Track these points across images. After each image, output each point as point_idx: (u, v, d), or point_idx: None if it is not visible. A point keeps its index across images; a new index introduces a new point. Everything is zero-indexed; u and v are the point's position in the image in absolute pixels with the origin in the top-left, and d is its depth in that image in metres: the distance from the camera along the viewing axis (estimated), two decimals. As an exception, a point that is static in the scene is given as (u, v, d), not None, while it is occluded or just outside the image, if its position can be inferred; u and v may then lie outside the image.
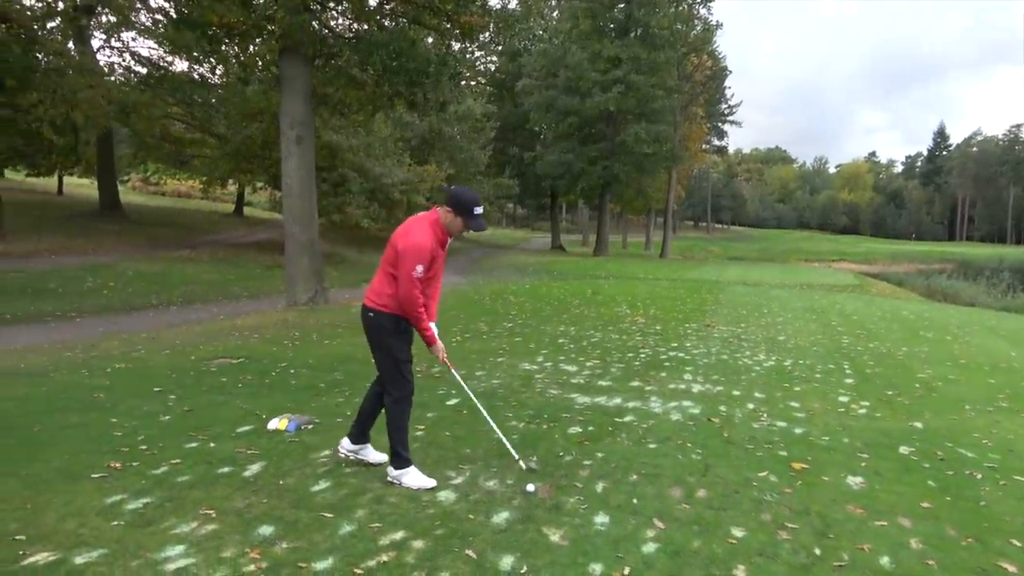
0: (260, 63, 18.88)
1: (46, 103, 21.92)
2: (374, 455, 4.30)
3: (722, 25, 47.07)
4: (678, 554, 3.25)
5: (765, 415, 5.76)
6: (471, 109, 35.90)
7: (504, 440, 4.24)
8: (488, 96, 41.80)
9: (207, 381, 6.57)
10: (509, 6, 43.62)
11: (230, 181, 31.18)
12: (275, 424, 5.04)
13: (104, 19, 25.68)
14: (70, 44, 24.67)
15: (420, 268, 3.76)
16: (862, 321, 12.65)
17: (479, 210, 3.86)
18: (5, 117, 20.26)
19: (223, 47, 18.25)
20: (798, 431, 5.32)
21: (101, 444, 4.66)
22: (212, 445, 4.66)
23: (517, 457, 4.14)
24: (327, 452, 4.53)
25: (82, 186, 34.69)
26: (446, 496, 3.85)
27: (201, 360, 7.48)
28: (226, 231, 28.73)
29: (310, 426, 5.10)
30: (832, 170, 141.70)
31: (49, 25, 23.47)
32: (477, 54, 45.64)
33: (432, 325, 3.99)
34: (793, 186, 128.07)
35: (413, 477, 4.00)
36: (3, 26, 20.98)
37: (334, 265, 21.16)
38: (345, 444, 4.30)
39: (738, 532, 3.50)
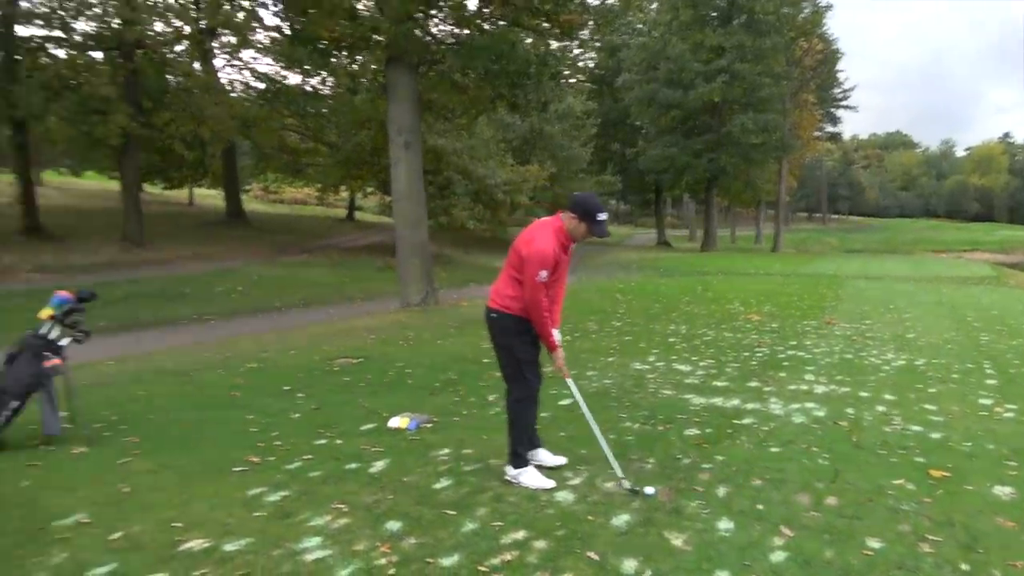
0: (367, 73, 19.65)
1: (177, 121, 23.71)
2: (549, 459, 4.30)
3: (832, 6, 44.69)
4: (809, 564, 3.13)
5: (897, 418, 5.44)
6: (571, 107, 35.82)
7: (611, 458, 4.16)
8: (588, 93, 41.57)
9: (331, 380, 6.90)
10: (608, 1, 43.12)
11: (342, 187, 32.60)
12: (396, 422, 5.24)
13: (225, 40, 27.41)
14: (196, 65, 26.50)
15: (544, 273, 3.80)
16: (1002, 316, 11.70)
17: (603, 216, 3.86)
18: (144, 136, 21.99)
19: (333, 59, 19.11)
20: (935, 436, 4.99)
21: (240, 439, 5.00)
22: (339, 442, 4.89)
23: (621, 475, 4.07)
24: (446, 450, 4.66)
25: (209, 196, 37.21)
26: (564, 497, 3.87)
27: (324, 360, 7.86)
28: (339, 235, 30.03)
29: (429, 425, 5.27)
30: (960, 153, 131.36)
31: (177, 48, 25.31)
32: (576, 51, 45.48)
33: (555, 332, 4.03)
34: (917, 172, 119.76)
35: (531, 477, 4.05)
36: (140, 52, 22.77)
37: (441, 266, 21.68)
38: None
39: (874, 543, 3.33)
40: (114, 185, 29.51)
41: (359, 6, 14.60)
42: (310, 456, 4.58)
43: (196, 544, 3.34)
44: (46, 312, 4.96)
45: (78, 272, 15.89)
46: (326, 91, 28.07)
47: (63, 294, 5.02)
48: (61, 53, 22.87)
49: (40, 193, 23.47)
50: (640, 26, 43.92)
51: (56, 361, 4.91)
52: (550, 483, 4.01)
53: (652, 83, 38.14)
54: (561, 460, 4.33)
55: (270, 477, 4.21)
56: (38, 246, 19.22)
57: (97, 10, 22.41)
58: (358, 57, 18.30)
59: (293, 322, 11.79)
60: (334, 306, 14.20)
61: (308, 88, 28.38)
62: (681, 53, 36.19)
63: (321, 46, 15.51)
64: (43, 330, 4.97)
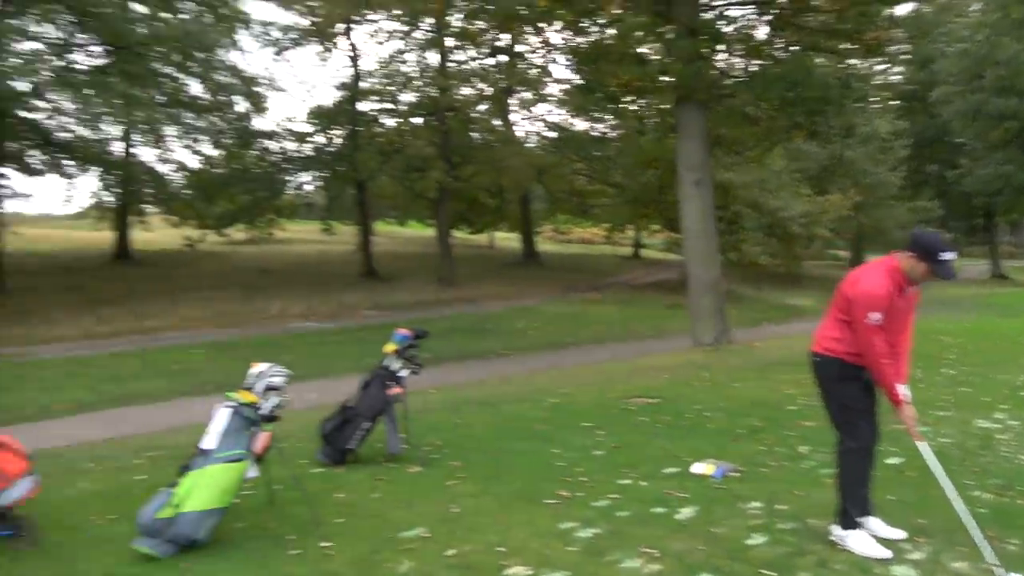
0: (655, 113, 19.96)
1: (481, 173, 26.38)
2: (884, 530, 3.78)
3: None
4: None
5: None
6: (876, 129, 32.54)
7: (979, 537, 3.47)
8: (896, 111, 37.44)
9: (628, 419, 6.97)
10: (921, 10, 38.59)
11: (628, 226, 33.33)
12: (700, 468, 5.09)
13: (521, 96, 29.91)
14: (496, 121, 29.28)
15: (876, 316, 3.46)
16: None
17: (947, 256, 3.41)
18: (454, 188, 24.77)
19: (620, 104, 19.73)
20: None
21: (548, 472, 5.24)
22: (643, 484, 4.89)
23: (995, 562, 3.38)
24: (758, 504, 4.39)
25: (506, 239, 40.42)
26: (904, 572, 3.41)
27: (620, 398, 7.98)
28: (626, 273, 30.58)
29: (735, 474, 5.03)
30: None
31: (480, 108, 28.25)
32: (879, 67, 41.34)
33: (902, 388, 3.61)
34: None
35: (861, 541, 3.64)
36: (449, 114, 25.84)
37: (732, 303, 20.90)
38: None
39: None
40: (429, 232, 33.53)
41: (644, 51, 14.98)
42: (616, 495, 4.64)
43: (519, 571, 3.55)
44: (390, 347, 5.74)
45: (403, 309, 18.25)
46: (612, 134, 29.15)
47: (403, 332, 5.78)
48: (390, 122, 26.94)
49: (373, 242, 27.52)
50: (963, 32, 38.54)
51: (397, 390, 5.64)
52: (886, 553, 3.56)
53: (977, 93, 33.06)
54: (899, 533, 3.80)
55: (580, 513, 4.34)
56: (372, 287, 22.53)
57: (418, 83, 26.03)
58: (645, 100, 18.72)
59: (586, 359, 12.20)
60: (624, 343, 14.43)
61: (595, 133, 29.73)
62: (1015, 55, 30.88)
63: (609, 92, 16.15)
64: (387, 362, 5.75)
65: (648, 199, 25.44)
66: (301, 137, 25.46)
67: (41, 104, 17.95)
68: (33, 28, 17.30)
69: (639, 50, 14.64)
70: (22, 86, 15.93)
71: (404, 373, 5.73)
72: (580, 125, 29.96)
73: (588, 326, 16.49)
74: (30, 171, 20.05)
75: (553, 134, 30.45)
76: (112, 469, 5.97)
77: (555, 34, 20.94)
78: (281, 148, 25.31)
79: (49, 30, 18.07)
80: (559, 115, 30.42)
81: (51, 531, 4.21)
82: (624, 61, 13.90)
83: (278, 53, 25.30)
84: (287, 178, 26.29)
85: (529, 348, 13.67)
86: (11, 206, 22.75)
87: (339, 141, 25.98)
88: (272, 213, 26.40)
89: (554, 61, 26.85)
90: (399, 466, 5.47)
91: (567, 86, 26.44)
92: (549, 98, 28.98)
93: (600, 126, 29.43)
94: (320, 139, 26.01)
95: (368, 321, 16.64)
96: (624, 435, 6.30)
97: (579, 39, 16.52)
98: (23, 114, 17.60)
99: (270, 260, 27.15)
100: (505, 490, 4.84)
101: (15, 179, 20.78)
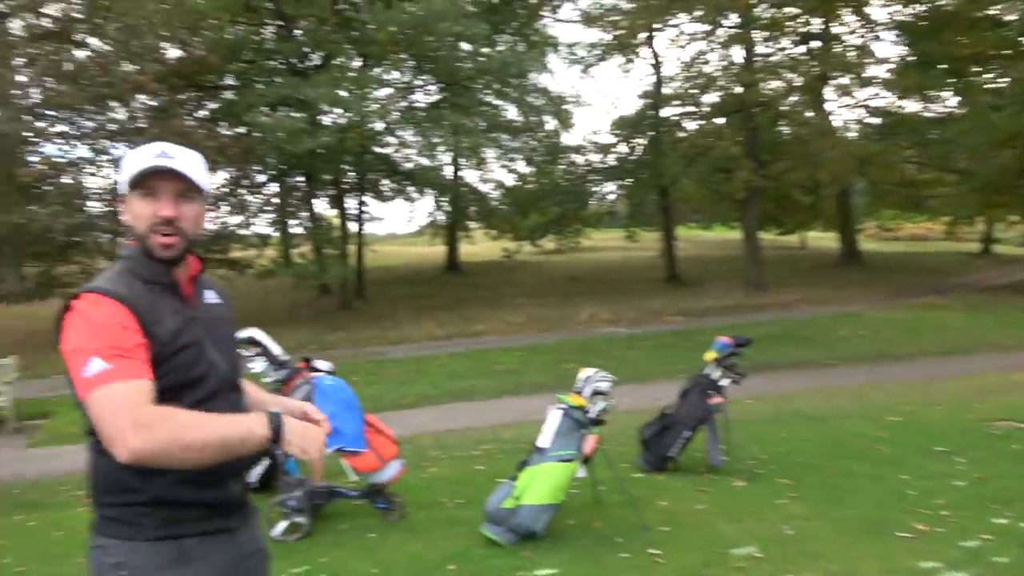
0: (1015, 83, 16.78)
1: (794, 169, 24.64)
2: None
3: None
4: None
5: None
6: None
7: None
8: None
9: (994, 446, 5.90)
10: None
11: (977, 218, 28.60)
12: (1110, 515, 4.10)
13: (838, 82, 27.25)
14: (809, 112, 27.09)
15: None
16: None
17: None
18: (762, 187, 23.47)
19: (967, 77, 16.99)
20: None
21: (895, 500, 4.65)
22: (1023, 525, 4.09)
23: None
24: None
25: (821, 239, 37.24)
26: None
27: (981, 420, 6.79)
28: (974, 273, 26.23)
29: None
30: None
31: (790, 100, 26.37)
32: None
33: None
34: None
35: None
36: (756, 110, 24.55)
37: None
38: None
39: None
40: (732, 234, 32.24)
41: (998, 10, 12.71)
42: (989, 536, 3.94)
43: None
44: (710, 355, 5.58)
45: (709, 315, 17.76)
46: (954, 112, 25.20)
47: (725, 340, 5.59)
48: (693, 125, 26.50)
49: (676, 246, 27.28)
50: None
51: (718, 399, 5.46)
52: None
53: None
54: None
55: (943, 551, 3.77)
56: (677, 292, 22.32)
57: (721, 82, 25.21)
58: (998, 70, 15.90)
59: (928, 372, 10.64)
60: (976, 355, 12.31)
61: (929, 114, 25.99)
62: None
63: (952, 65, 14.04)
64: (707, 370, 5.60)
65: (1004, 185, 21.44)
66: (605, 149, 26.27)
67: (391, 140, 21.08)
68: (385, 76, 20.38)
69: (991, 11, 12.49)
70: (378, 126, 18.86)
71: (725, 382, 5.54)
72: (910, 107, 26.42)
73: (927, 335, 14.36)
74: (382, 197, 23.70)
75: (877, 120, 27.26)
76: (455, 458, 6.69)
77: (878, 10, 18.80)
78: (586, 161, 26.41)
79: (396, 76, 21.14)
80: (884, 98, 27.16)
81: (412, 509, 4.84)
82: (976, 26, 11.93)
83: (584, 70, 26.45)
84: (593, 189, 27.29)
85: (856, 358, 12.32)
86: (369, 228, 26.90)
87: (641, 149, 26.27)
88: (579, 223, 27.61)
89: (876, 39, 24.06)
90: (721, 478, 5.29)
91: (894, 65, 23.49)
92: (873, 81, 26.03)
93: (936, 105, 25.63)
94: (623, 149, 26.58)
95: (674, 327, 16.49)
96: (991, 465, 5.34)
97: (908, 10, 14.62)
98: (378, 150, 20.84)
99: (578, 268, 28.46)
100: (845, 516, 4.40)
101: (372, 205, 24.76)
